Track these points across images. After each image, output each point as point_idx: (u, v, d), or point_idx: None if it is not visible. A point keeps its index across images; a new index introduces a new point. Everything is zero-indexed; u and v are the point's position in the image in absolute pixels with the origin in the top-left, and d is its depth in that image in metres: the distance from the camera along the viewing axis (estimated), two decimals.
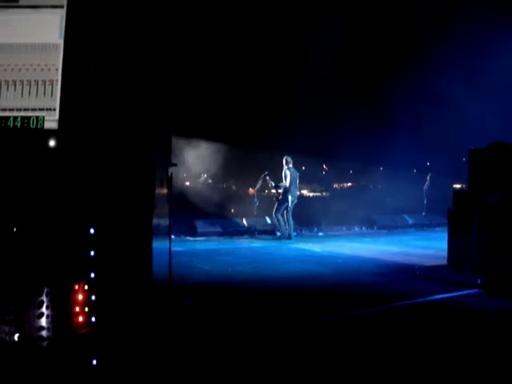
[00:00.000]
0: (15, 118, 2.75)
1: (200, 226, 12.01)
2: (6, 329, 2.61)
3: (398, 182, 16.30)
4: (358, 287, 6.12)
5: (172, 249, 4.40)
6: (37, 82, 2.79)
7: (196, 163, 14.68)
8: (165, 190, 3.89)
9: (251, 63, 17.94)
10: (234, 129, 18.44)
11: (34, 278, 2.64)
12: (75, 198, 2.73)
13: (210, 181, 19.78)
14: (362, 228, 14.15)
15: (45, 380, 2.63)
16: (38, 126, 2.74)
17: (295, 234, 12.02)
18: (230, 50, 17.13)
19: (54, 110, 2.76)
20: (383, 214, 14.87)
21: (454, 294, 5.81)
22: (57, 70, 2.80)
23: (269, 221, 12.57)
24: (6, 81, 2.79)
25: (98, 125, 2.83)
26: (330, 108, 19.24)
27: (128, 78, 3.12)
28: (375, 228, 14.12)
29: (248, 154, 18.22)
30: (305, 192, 23.32)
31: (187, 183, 16.75)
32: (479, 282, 6.10)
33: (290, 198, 11.59)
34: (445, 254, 7.51)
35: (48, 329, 2.63)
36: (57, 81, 2.79)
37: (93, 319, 2.71)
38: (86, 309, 2.69)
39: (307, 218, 13.68)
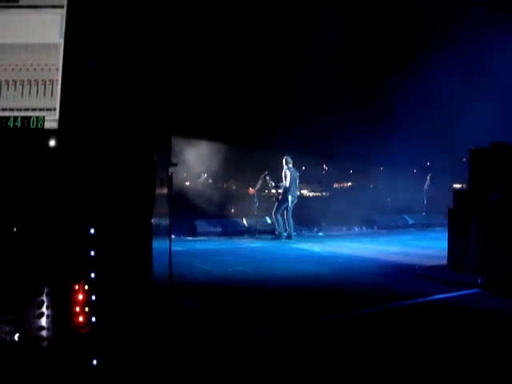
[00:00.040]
0: (15, 117, 2.75)
1: (200, 225, 12.01)
2: (6, 329, 2.61)
3: (398, 182, 16.29)
4: (358, 287, 6.12)
5: (172, 249, 4.39)
6: (37, 82, 2.79)
7: (196, 163, 14.67)
8: (165, 190, 3.89)
9: (251, 63, 17.94)
10: (234, 129, 18.43)
11: (34, 278, 2.63)
12: (75, 197, 2.73)
13: (210, 181, 19.76)
14: (362, 228, 14.15)
15: (45, 380, 2.63)
16: (38, 126, 2.73)
17: (295, 233, 12.02)
18: (230, 50, 17.13)
19: (54, 109, 2.76)
20: (383, 214, 14.87)
21: (454, 293, 5.81)
22: (57, 69, 2.80)
23: (269, 221, 12.58)
24: (6, 81, 2.79)
25: (99, 125, 2.83)
26: (330, 108, 19.23)
27: (128, 78, 3.12)
28: (375, 228, 14.12)
29: (248, 154, 18.21)
30: (305, 192, 23.29)
31: (187, 183, 16.73)
32: (479, 281, 6.10)
33: (290, 197, 11.59)
34: (445, 253, 7.51)
35: (48, 329, 2.63)
36: (57, 81, 2.79)
37: (93, 319, 2.71)
38: (86, 309, 2.69)
39: (307, 218, 13.68)
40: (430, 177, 14.92)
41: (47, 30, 2.84)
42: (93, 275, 2.71)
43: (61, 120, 2.74)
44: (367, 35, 17.50)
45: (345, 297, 5.58)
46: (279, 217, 11.67)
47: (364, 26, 17.13)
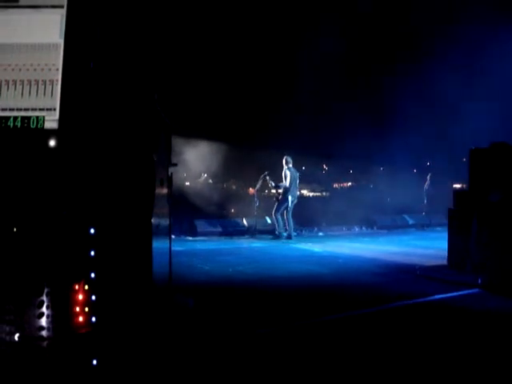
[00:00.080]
0: (15, 117, 2.75)
1: (200, 225, 12.02)
2: (6, 329, 2.61)
3: (398, 182, 16.30)
4: (358, 287, 6.12)
5: (172, 249, 4.40)
6: (37, 82, 2.79)
7: (196, 163, 14.68)
8: (165, 190, 3.89)
9: (251, 63, 17.94)
10: (234, 128, 18.44)
11: (34, 278, 2.64)
12: (75, 197, 2.73)
13: (210, 181, 19.77)
14: (361, 228, 14.15)
15: (45, 380, 2.63)
16: (38, 126, 2.73)
17: (295, 233, 12.03)
18: (230, 50, 17.14)
19: (54, 109, 2.76)
20: (383, 214, 14.88)
21: (455, 293, 5.81)
22: (57, 69, 2.80)
23: (269, 221, 12.58)
24: (6, 81, 2.79)
25: (99, 125, 2.83)
26: (330, 107, 19.25)
27: (128, 78, 3.12)
28: (375, 228, 14.13)
29: (248, 154, 18.21)
30: (305, 192, 23.32)
31: (187, 183, 16.74)
32: (479, 281, 6.10)
33: (290, 197, 11.60)
34: (445, 253, 7.51)
35: (48, 329, 2.63)
36: (57, 81, 2.78)
37: (93, 319, 2.71)
38: (86, 309, 2.69)
39: (307, 218, 13.69)
40: (430, 177, 14.94)
41: (47, 30, 2.83)
42: (93, 275, 2.71)
43: (61, 120, 2.74)
44: (367, 35, 17.51)
45: (345, 297, 5.58)
46: (279, 217, 11.68)
47: (364, 26, 17.14)
